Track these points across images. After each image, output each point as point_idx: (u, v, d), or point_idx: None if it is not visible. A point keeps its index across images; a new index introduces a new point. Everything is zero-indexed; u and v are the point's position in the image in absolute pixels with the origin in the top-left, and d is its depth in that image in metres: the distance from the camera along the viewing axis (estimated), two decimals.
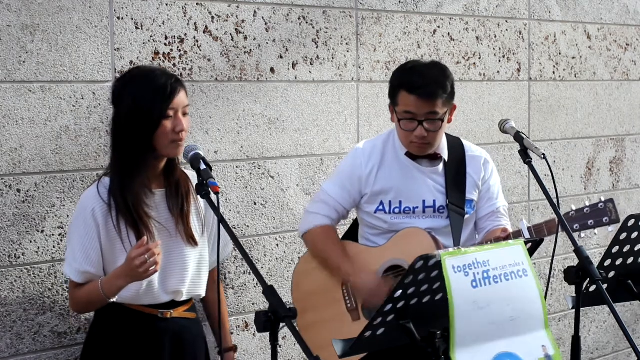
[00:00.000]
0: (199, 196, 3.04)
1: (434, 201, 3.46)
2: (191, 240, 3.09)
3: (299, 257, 3.93)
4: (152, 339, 3.07)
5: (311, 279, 3.57)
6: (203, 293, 3.20)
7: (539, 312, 2.67)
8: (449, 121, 3.43)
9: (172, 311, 3.09)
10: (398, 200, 3.46)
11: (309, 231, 3.56)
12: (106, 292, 2.95)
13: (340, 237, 3.67)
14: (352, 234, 3.68)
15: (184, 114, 3.00)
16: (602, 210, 3.37)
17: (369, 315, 3.42)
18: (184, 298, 3.12)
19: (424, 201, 3.46)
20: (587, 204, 3.40)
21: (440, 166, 3.49)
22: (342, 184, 3.51)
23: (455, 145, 3.56)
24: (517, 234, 3.34)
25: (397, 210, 3.46)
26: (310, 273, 3.58)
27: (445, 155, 3.49)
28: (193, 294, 3.16)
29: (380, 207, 3.47)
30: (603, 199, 3.39)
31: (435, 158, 3.49)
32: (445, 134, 3.52)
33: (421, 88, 3.30)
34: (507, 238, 3.32)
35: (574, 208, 3.37)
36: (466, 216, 3.48)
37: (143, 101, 2.94)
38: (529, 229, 3.35)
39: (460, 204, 3.47)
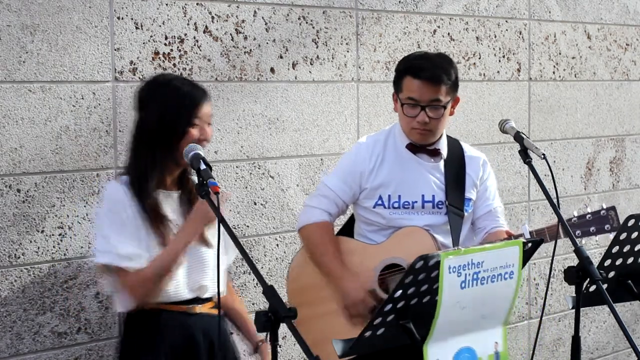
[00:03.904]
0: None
1: (433, 196, 3.46)
2: (205, 242, 3.12)
3: None
4: (185, 334, 3.08)
5: (307, 273, 3.54)
6: (224, 290, 3.19)
7: (505, 310, 2.72)
8: (452, 113, 3.46)
9: (199, 306, 3.11)
10: (397, 194, 3.45)
11: (305, 226, 3.53)
12: (174, 248, 2.94)
13: (336, 234, 3.65)
14: (348, 230, 3.66)
15: (208, 124, 3.08)
16: (604, 218, 3.39)
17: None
18: (208, 294, 3.14)
19: (422, 196, 3.46)
20: (589, 210, 3.41)
21: (441, 163, 3.50)
22: (343, 178, 3.50)
23: (455, 146, 3.58)
24: (518, 238, 3.34)
25: (396, 205, 3.45)
26: (306, 267, 3.56)
27: (444, 152, 3.50)
28: (215, 290, 3.11)
29: (379, 202, 3.46)
30: (605, 206, 3.40)
31: (435, 154, 3.50)
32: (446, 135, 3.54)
33: (427, 71, 3.34)
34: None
35: (575, 214, 3.38)
36: (465, 214, 3.49)
37: (170, 110, 3.00)
38: (530, 233, 3.37)
39: (459, 203, 3.48)
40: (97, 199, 3.52)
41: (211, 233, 3.14)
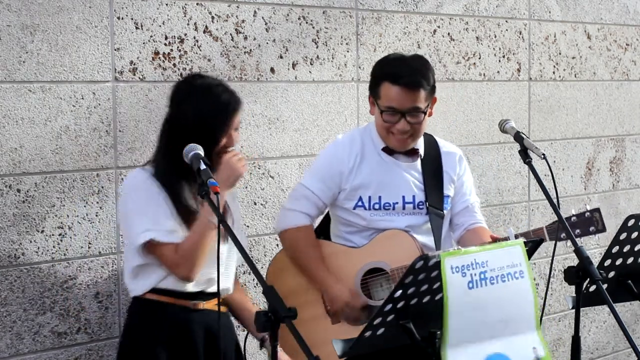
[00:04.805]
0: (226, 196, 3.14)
1: (414, 197, 3.43)
2: (224, 236, 3.10)
3: None
4: (184, 330, 3.10)
5: (287, 278, 3.48)
6: (231, 287, 3.24)
7: (531, 314, 2.69)
8: (430, 114, 3.42)
9: (203, 302, 3.12)
10: (378, 195, 3.41)
11: (287, 230, 3.47)
12: (210, 210, 2.95)
13: None
14: (323, 231, 3.60)
15: (235, 129, 3.13)
16: (589, 220, 3.40)
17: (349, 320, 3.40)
18: (214, 288, 3.13)
19: (403, 197, 3.42)
20: (574, 212, 3.42)
21: (418, 162, 3.47)
22: (322, 178, 3.44)
23: (430, 142, 3.54)
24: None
25: (377, 206, 3.41)
26: (285, 272, 3.50)
27: (421, 150, 3.48)
28: (223, 286, 3.17)
29: (360, 203, 3.42)
30: (589, 208, 3.41)
31: (412, 154, 3.47)
32: None
33: (405, 77, 3.29)
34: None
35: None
36: (444, 213, 3.48)
37: (208, 119, 3.05)
38: (516, 236, 3.36)
39: (439, 203, 3.45)
40: (98, 198, 3.53)
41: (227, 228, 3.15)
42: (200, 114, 3.06)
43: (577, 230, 3.39)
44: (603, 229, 3.41)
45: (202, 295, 3.14)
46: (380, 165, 3.44)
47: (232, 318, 3.35)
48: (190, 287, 3.09)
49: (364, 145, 3.46)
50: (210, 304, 3.15)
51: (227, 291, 3.24)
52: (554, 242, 3.41)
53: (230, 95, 3.12)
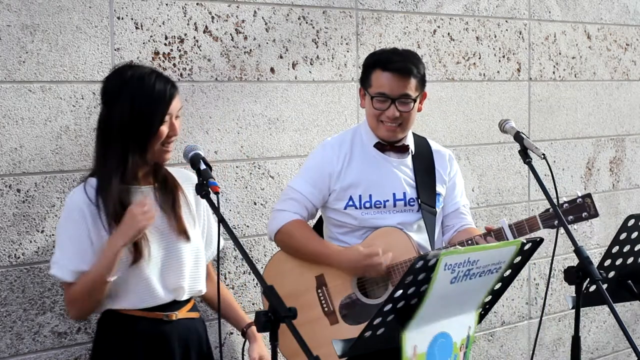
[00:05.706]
0: (186, 192, 3.07)
1: (404, 194, 3.44)
2: (184, 236, 3.04)
3: None
4: (161, 343, 3.01)
5: (282, 282, 3.42)
6: (203, 289, 3.15)
7: (481, 297, 2.76)
8: (419, 109, 3.44)
9: (176, 313, 3.04)
10: (368, 194, 3.42)
11: (280, 229, 3.45)
12: (104, 261, 2.85)
13: None
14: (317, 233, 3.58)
15: (177, 117, 2.99)
16: (581, 206, 3.40)
17: (352, 319, 3.39)
18: (186, 295, 3.07)
19: (394, 194, 3.43)
20: (566, 199, 3.42)
21: (409, 159, 3.48)
22: (311, 180, 3.44)
23: (422, 142, 3.57)
24: (498, 232, 3.35)
25: (367, 205, 3.41)
26: (280, 276, 3.48)
27: (412, 147, 3.50)
28: (194, 289, 3.11)
29: (350, 203, 3.42)
30: (580, 194, 3.41)
31: (403, 150, 3.48)
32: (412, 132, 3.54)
33: (396, 63, 3.33)
34: (487, 236, 3.34)
35: None
36: (437, 210, 3.48)
37: (143, 107, 2.90)
38: (510, 226, 3.37)
39: (432, 200, 3.46)
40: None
41: (189, 223, 3.08)
42: (137, 106, 2.89)
43: (570, 217, 3.38)
44: (595, 214, 3.40)
45: (175, 305, 3.05)
46: (370, 163, 3.44)
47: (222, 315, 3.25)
48: (161, 298, 3.00)
49: (354, 145, 3.47)
50: (184, 312, 3.08)
51: (199, 293, 3.16)
52: (554, 242, 3.41)
53: (165, 82, 2.95)
